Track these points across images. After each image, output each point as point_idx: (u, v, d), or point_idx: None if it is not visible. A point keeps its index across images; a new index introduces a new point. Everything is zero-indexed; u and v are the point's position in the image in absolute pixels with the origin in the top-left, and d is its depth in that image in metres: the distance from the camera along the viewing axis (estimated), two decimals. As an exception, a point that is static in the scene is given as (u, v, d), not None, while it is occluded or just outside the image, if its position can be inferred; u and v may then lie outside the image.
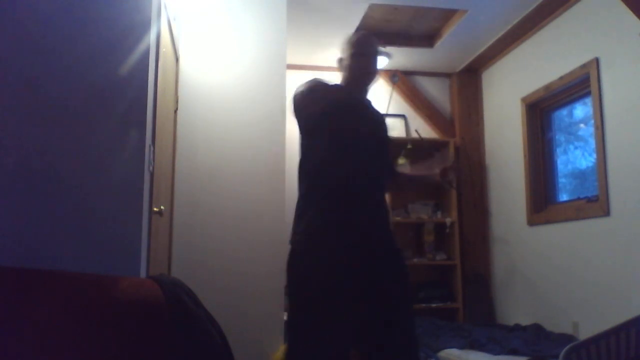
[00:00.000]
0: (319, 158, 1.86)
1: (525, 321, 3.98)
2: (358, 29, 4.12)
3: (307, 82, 1.90)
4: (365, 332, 1.78)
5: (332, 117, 1.84)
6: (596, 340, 2.17)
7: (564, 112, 4.05)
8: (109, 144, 1.93)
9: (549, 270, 3.85)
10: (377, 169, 1.92)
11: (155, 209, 2.21)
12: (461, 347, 3.35)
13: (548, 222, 3.89)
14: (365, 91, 2.01)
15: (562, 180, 4.04)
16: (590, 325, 3.27)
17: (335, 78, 2.05)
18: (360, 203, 1.83)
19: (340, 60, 2.02)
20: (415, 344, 1.84)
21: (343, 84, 2.00)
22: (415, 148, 4.68)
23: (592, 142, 3.48)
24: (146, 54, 2.01)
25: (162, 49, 2.32)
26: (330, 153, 1.84)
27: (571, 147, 4.01)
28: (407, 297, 1.86)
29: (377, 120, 2.05)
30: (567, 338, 3.34)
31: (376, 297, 1.77)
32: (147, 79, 2.01)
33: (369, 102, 2.03)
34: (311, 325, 1.73)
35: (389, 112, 4.82)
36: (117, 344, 1.52)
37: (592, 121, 3.44)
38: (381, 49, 2.02)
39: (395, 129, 4.85)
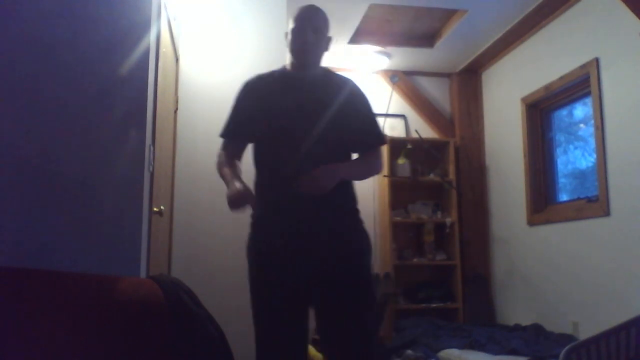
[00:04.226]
0: (255, 147, 1.86)
1: (525, 321, 3.97)
2: (358, 29, 4.12)
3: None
4: (317, 318, 1.76)
5: (258, 107, 1.84)
6: (596, 340, 2.17)
7: (564, 112, 4.05)
8: (109, 144, 1.93)
9: (548, 270, 3.84)
10: (321, 145, 1.74)
11: (155, 209, 2.21)
12: (461, 347, 3.35)
13: (548, 222, 3.89)
14: (306, 67, 1.83)
15: (562, 180, 4.04)
16: (590, 325, 3.27)
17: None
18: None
19: (286, 36, 1.86)
20: (367, 337, 1.72)
21: (286, 65, 1.89)
22: (415, 148, 4.69)
23: (592, 142, 3.48)
24: (146, 54, 2.01)
25: (162, 49, 2.32)
26: (262, 140, 1.83)
27: (571, 147, 4.01)
28: (358, 284, 1.74)
29: (322, 91, 1.83)
30: (567, 338, 3.33)
31: (320, 283, 1.73)
32: (147, 79, 2.01)
33: (311, 77, 1.84)
34: (260, 311, 1.78)
35: (389, 112, 4.82)
36: (117, 343, 1.52)
37: (592, 121, 3.44)
38: (322, 19, 1.81)
39: (395, 129, 4.85)
